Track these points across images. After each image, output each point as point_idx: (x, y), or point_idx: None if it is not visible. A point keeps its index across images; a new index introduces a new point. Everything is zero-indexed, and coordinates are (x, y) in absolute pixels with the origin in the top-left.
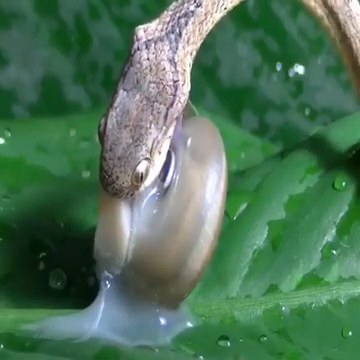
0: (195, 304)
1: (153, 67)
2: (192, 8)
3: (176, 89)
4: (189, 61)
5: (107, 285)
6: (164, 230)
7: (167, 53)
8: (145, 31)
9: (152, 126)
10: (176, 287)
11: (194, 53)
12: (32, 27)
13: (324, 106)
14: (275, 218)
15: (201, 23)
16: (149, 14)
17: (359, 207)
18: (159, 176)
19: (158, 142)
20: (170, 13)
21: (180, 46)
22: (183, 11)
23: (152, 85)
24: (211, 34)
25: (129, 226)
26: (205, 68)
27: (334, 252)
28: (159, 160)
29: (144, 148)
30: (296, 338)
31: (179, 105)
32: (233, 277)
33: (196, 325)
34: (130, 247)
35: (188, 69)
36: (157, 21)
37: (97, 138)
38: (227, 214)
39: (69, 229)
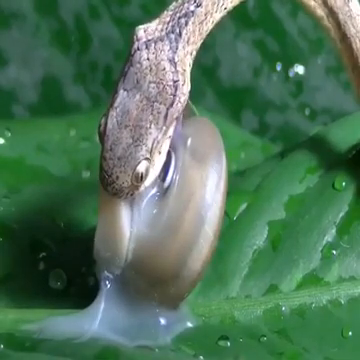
0: (195, 304)
1: (153, 67)
2: (192, 8)
3: (176, 89)
4: (189, 61)
5: (107, 285)
6: (164, 230)
7: (167, 53)
8: (145, 31)
9: (152, 126)
10: (176, 287)
11: (194, 53)
12: (32, 27)
13: (324, 106)
14: (275, 218)
15: (201, 23)
16: (149, 14)
17: (359, 207)
18: (159, 176)
19: (158, 142)
20: (170, 13)
21: (180, 46)
22: (183, 11)
23: (152, 85)
24: (211, 34)
25: (129, 226)
26: (205, 68)
27: (334, 252)
28: (159, 160)
29: (144, 148)
30: (296, 338)
31: (179, 105)
32: (233, 277)
33: (196, 325)
34: (130, 247)
35: (188, 69)
36: (157, 21)
37: (97, 138)
38: (227, 214)
39: (69, 229)
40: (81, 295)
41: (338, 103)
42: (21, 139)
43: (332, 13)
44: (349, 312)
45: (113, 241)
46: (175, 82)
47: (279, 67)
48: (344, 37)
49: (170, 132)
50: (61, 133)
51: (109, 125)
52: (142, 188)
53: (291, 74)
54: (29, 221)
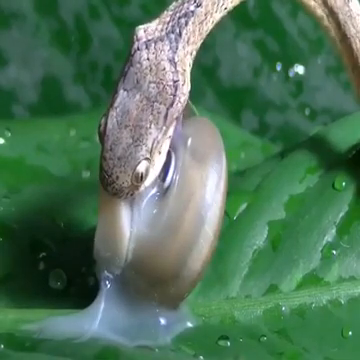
0: (195, 304)
1: (153, 67)
2: (192, 8)
3: (176, 89)
4: (189, 61)
5: (107, 285)
6: (164, 230)
7: (167, 53)
8: (145, 31)
9: (152, 126)
10: (176, 287)
11: (194, 53)
12: (32, 27)
13: (324, 106)
14: (275, 218)
15: (201, 23)
16: (149, 14)
17: (359, 207)
18: (159, 176)
19: (158, 142)
20: (170, 13)
21: (180, 46)
22: (183, 11)
23: (152, 85)
24: (211, 34)
25: (129, 226)
26: (205, 68)
27: (334, 252)
28: (159, 160)
29: (144, 148)
30: (296, 338)
31: (179, 105)
32: (233, 277)
33: (196, 325)
34: (130, 247)
35: (188, 69)
36: (157, 21)
37: (97, 138)
38: (227, 214)
39: (69, 229)
40: (81, 295)
41: (338, 103)
42: (21, 139)
43: (332, 13)
44: (349, 312)
45: (113, 241)
46: (175, 82)
47: (279, 67)
48: (344, 37)
49: (170, 132)
50: (61, 133)
51: (109, 125)
52: (142, 188)
53: (291, 74)
54: (29, 221)
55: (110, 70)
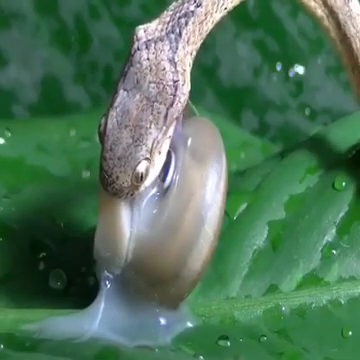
0: (195, 304)
1: (153, 67)
2: (192, 8)
3: (176, 89)
4: (189, 61)
5: (107, 285)
6: (164, 230)
7: (167, 53)
8: (145, 31)
9: (152, 126)
10: (176, 287)
11: (194, 53)
12: (32, 27)
13: (324, 106)
14: (275, 218)
15: (201, 23)
16: (149, 14)
17: (359, 207)
18: (159, 176)
19: (158, 142)
20: (170, 13)
21: (180, 46)
22: (183, 11)
23: (152, 85)
24: (211, 34)
25: (129, 226)
26: (205, 68)
27: (334, 252)
28: (159, 160)
29: (144, 148)
30: (296, 338)
31: (179, 105)
32: (233, 277)
33: (196, 325)
34: (130, 247)
35: (188, 69)
36: (157, 21)
37: (97, 138)
38: (227, 214)
39: (69, 229)
40: (81, 295)
41: (338, 103)
42: (21, 139)
43: (332, 13)
44: (349, 312)
45: (113, 241)
46: (175, 82)
47: (279, 67)
48: (344, 37)
49: (170, 132)
50: (61, 133)
51: (109, 125)
52: (142, 188)
53: (291, 74)
54: (29, 221)
55: (110, 70)
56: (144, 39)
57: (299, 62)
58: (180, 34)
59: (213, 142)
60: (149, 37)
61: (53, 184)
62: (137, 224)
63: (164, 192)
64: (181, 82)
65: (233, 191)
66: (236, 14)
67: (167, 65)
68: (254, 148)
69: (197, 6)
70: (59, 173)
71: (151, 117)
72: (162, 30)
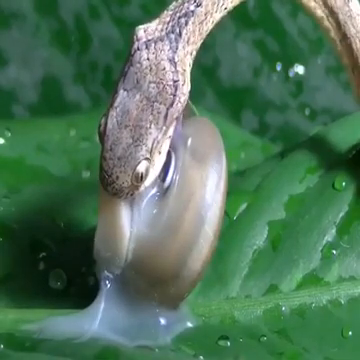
0: (195, 304)
1: (153, 67)
2: (192, 8)
3: (176, 89)
4: (189, 61)
5: (107, 285)
6: (164, 230)
7: (167, 53)
8: (145, 31)
9: (152, 126)
10: (176, 287)
11: (194, 53)
12: (32, 27)
13: (324, 106)
14: (275, 218)
15: (201, 23)
16: (149, 14)
17: (359, 207)
18: (159, 176)
19: (158, 142)
20: (170, 13)
21: (180, 46)
22: (183, 11)
23: (152, 85)
24: (211, 34)
25: (129, 226)
26: (205, 68)
27: (334, 252)
28: (159, 160)
29: (144, 148)
30: (296, 338)
31: (179, 105)
32: (233, 277)
33: (196, 325)
34: (130, 247)
35: (188, 69)
36: (157, 21)
37: (97, 138)
38: (227, 214)
39: (69, 229)
40: (81, 295)
41: (338, 103)
42: (21, 139)
43: (332, 13)
44: (349, 312)
45: (113, 241)
46: (175, 82)
47: (279, 67)
48: (344, 37)
49: (170, 132)
50: (61, 133)
51: (109, 125)
52: (142, 188)
53: (291, 74)
54: (29, 221)
55: (110, 70)
56: (144, 39)
57: (299, 62)
58: (180, 34)
59: (213, 142)
60: (149, 37)
61: (53, 184)
62: (137, 224)
63: (164, 192)
64: (181, 82)
65: (233, 191)
66: (236, 14)
67: (167, 65)
68: (254, 148)
69: (197, 6)
70: (59, 173)
71: (151, 117)
72: (162, 30)
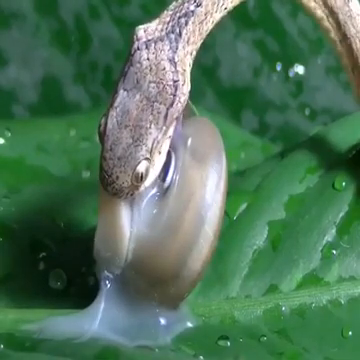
0: (195, 304)
1: (153, 67)
2: (192, 8)
3: (176, 89)
4: (189, 61)
5: (107, 285)
6: (164, 230)
7: (167, 53)
8: (145, 31)
9: (152, 126)
10: (176, 287)
11: (194, 53)
12: (32, 27)
13: (324, 106)
14: (275, 218)
15: (201, 23)
16: (149, 14)
17: (359, 207)
18: (159, 176)
19: (158, 142)
20: (170, 13)
21: (180, 46)
22: (183, 11)
23: (152, 85)
24: (211, 34)
25: (129, 226)
26: (205, 68)
27: (334, 252)
28: (159, 160)
29: (144, 148)
30: (296, 338)
31: (179, 105)
32: (233, 277)
33: (196, 325)
34: (130, 247)
35: (188, 69)
36: (157, 21)
37: (97, 138)
38: (227, 214)
39: (69, 229)
40: (81, 295)
41: (338, 103)
42: (21, 139)
43: (332, 13)
44: (349, 312)
45: (113, 241)
46: (175, 82)
47: (279, 67)
48: (344, 37)
49: (170, 132)
50: (61, 133)
51: (109, 125)
52: (142, 188)
53: (291, 74)
54: (29, 221)
55: (110, 70)
56: (144, 39)
57: (299, 62)
58: (180, 34)
59: (213, 142)
60: (149, 37)
61: (53, 184)
62: (137, 224)
63: (164, 192)
64: (181, 82)
65: (233, 191)
66: (236, 14)
67: (167, 65)
68: (254, 148)
69: (197, 6)
70: (59, 173)
71: (151, 117)
72: (162, 30)
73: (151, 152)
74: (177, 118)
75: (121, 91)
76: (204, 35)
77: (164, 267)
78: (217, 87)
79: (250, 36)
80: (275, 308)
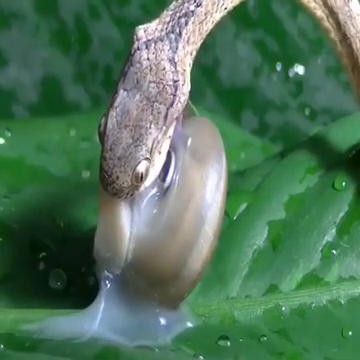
0: (195, 304)
1: (153, 67)
2: (192, 8)
3: (176, 89)
4: (189, 61)
5: (107, 285)
6: (164, 230)
7: (167, 53)
8: (145, 31)
9: (152, 126)
10: (176, 287)
11: (194, 53)
12: (32, 27)
13: (324, 106)
14: (275, 218)
15: (201, 23)
16: (149, 14)
17: (359, 207)
18: (159, 176)
19: (158, 142)
20: (170, 13)
21: (180, 46)
22: (183, 11)
23: (152, 85)
24: (211, 34)
25: (129, 226)
26: (205, 68)
27: (334, 252)
28: (159, 160)
29: (144, 148)
30: (296, 338)
31: (179, 105)
32: (233, 277)
33: (196, 325)
34: (130, 247)
35: (188, 69)
36: (157, 21)
37: (97, 138)
38: (227, 214)
39: (69, 229)
40: (81, 295)
41: (338, 103)
42: (21, 139)
43: (332, 13)
44: (349, 312)
45: (113, 241)
46: (175, 82)
47: (279, 67)
48: (344, 37)
49: (170, 132)
50: (61, 133)
51: (109, 125)
52: (142, 188)
53: (291, 74)
54: (29, 221)
55: (110, 70)
56: (144, 39)
57: (299, 62)
58: (180, 34)
59: (213, 142)
60: (149, 37)
61: (53, 184)
62: (137, 224)
63: (164, 192)
64: (181, 82)
65: (233, 191)
66: (236, 14)
67: (167, 65)
68: (254, 148)
69: (197, 6)
70: (59, 173)
71: (151, 117)
72: (162, 30)
73: (151, 152)
74: (177, 118)
75: (121, 91)
76: (204, 35)
77: (164, 267)
78: (217, 87)
79: (250, 36)
80: (275, 308)
